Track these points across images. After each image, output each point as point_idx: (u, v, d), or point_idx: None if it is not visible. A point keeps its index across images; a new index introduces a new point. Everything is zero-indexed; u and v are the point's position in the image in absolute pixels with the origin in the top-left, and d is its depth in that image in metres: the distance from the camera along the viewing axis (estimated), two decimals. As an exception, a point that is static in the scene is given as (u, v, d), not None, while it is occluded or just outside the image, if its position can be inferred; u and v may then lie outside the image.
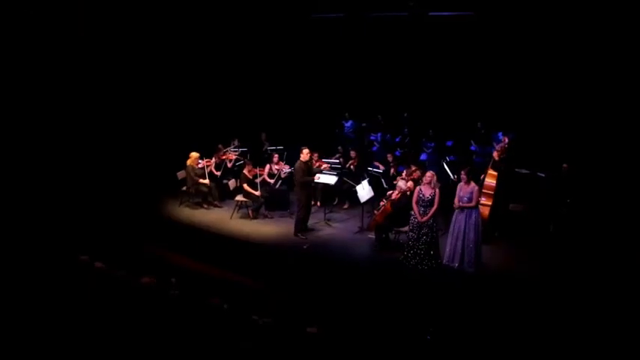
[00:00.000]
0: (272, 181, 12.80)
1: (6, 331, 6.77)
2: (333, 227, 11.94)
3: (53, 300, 7.38)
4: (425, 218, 9.57)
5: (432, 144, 14.96)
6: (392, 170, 12.86)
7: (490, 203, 10.63)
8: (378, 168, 13.17)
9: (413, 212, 9.76)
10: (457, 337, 7.49)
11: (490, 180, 10.74)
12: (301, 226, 11.37)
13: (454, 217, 9.79)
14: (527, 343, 7.39)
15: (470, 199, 9.58)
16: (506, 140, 11.46)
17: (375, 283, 9.32)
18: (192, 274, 9.01)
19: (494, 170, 10.81)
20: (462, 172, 9.76)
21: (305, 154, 11.20)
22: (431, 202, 9.57)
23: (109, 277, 7.49)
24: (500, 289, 9.10)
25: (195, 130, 15.11)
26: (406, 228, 10.03)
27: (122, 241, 10.21)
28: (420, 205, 9.64)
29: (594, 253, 10.26)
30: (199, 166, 12.84)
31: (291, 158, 13.21)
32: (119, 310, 7.22)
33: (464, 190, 9.66)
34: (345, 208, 13.15)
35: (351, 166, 13.43)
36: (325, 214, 12.32)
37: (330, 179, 12.01)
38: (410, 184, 10.59)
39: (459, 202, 9.68)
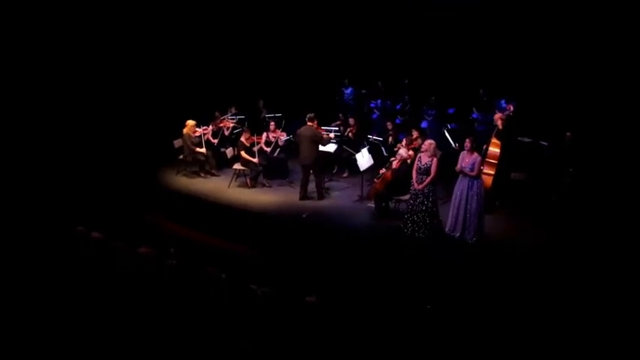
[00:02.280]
0: (269, 149, 12.75)
1: (4, 304, 6.82)
2: (332, 196, 11.95)
3: (52, 271, 7.42)
4: (420, 186, 9.54)
5: (433, 111, 14.87)
6: (390, 138, 12.82)
7: (493, 172, 10.55)
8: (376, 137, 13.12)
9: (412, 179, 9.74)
10: (458, 307, 7.54)
11: (494, 149, 10.65)
12: (304, 194, 11.52)
13: (456, 185, 9.75)
14: (529, 312, 7.45)
15: (472, 170, 9.53)
16: (512, 108, 11.32)
17: (375, 252, 9.35)
18: (190, 243, 9.04)
19: (499, 139, 10.73)
20: (467, 140, 9.64)
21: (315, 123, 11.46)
22: (427, 170, 9.53)
23: (106, 247, 7.51)
24: (501, 259, 9.13)
25: (192, 98, 15.00)
26: (407, 196, 10.01)
27: (119, 211, 10.21)
28: (419, 174, 9.62)
29: (597, 222, 10.27)
30: (196, 134, 12.76)
31: (289, 126, 13.15)
32: (117, 279, 7.27)
33: (466, 159, 9.57)
34: (345, 177, 13.12)
35: (350, 134, 13.39)
36: (324, 182, 12.30)
37: (330, 147, 11.99)
38: (410, 152, 10.56)
39: (461, 168, 9.64)
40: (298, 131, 11.46)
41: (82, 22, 14.11)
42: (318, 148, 11.38)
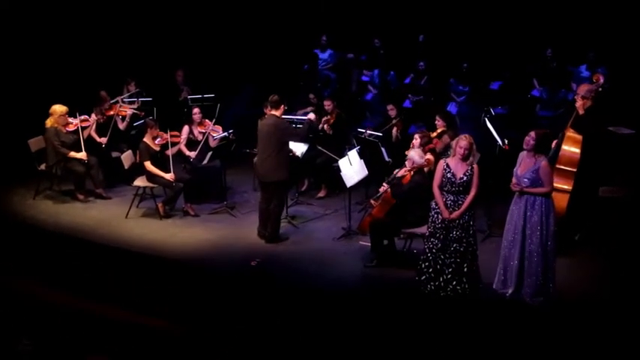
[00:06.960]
0: (193, 154, 12.77)
1: None
2: (300, 229, 12.05)
3: None
4: (455, 214, 9.51)
5: (466, 88, 15.00)
6: (395, 132, 12.92)
7: (570, 187, 10.53)
8: (373, 130, 13.13)
9: (434, 203, 9.71)
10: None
11: (571, 148, 10.60)
12: (265, 227, 11.56)
13: (510, 211, 9.70)
14: None
15: (535, 182, 9.40)
16: (601, 80, 11.25)
17: (370, 322, 9.28)
18: (59, 315, 8.92)
19: (578, 131, 10.71)
20: (531, 136, 9.41)
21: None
22: (466, 186, 9.49)
23: None
24: (583, 333, 9.05)
25: (61, 68, 14.96)
26: (423, 229, 10.02)
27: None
28: (448, 192, 9.57)
29: None
30: (69, 128, 12.79)
31: (225, 115, 13.10)
32: None
33: (525, 163, 9.48)
34: (321, 197, 13.33)
35: (326, 126, 13.40)
36: (287, 206, 12.32)
37: (297, 148, 12.11)
38: (428, 156, 10.66)
39: (518, 183, 9.55)
40: (260, 126, 11.41)
41: None
42: (288, 152, 11.47)
